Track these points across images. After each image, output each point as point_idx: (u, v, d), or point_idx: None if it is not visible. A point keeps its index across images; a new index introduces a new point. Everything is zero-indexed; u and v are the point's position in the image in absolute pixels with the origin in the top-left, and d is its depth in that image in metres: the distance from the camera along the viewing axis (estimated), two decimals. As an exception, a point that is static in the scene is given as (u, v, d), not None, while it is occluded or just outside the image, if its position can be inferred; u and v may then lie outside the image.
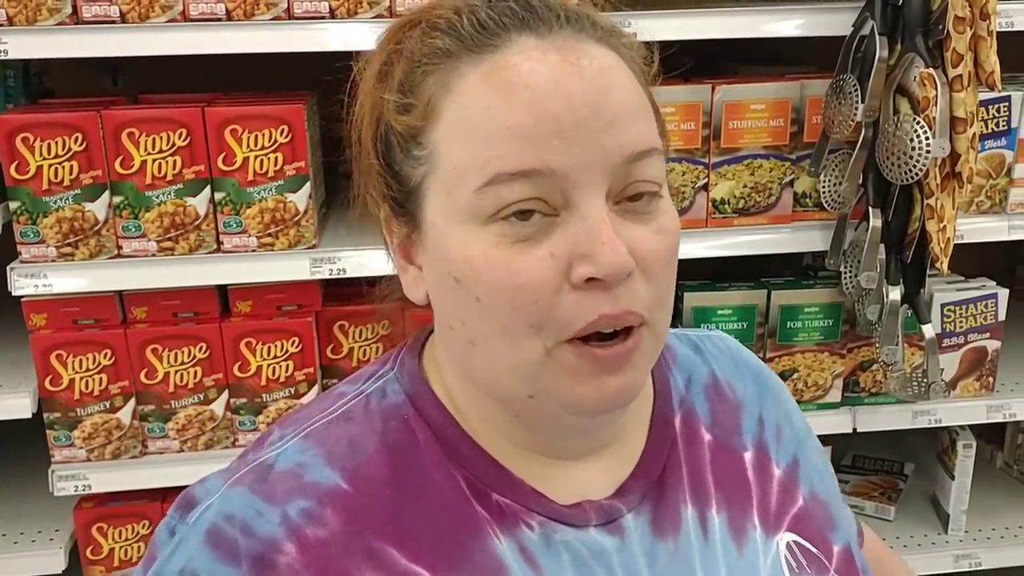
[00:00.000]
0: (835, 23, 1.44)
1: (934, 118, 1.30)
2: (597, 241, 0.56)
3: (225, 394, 1.52)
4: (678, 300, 1.59)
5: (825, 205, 1.52)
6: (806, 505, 0.74)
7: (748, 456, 0.74)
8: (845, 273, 1.54)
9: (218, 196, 1.42)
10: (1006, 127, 1.54)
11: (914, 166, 1.33)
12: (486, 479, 0.64)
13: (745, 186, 1.52)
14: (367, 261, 1.45)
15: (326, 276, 1.45)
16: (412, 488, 0.64)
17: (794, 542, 0.71)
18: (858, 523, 0.86)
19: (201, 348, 1.50)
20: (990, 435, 2.08)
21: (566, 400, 0.60)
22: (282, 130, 1.40)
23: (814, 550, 0.71)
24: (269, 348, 1.51)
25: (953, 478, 1.79)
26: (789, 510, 0.73)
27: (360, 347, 1.58)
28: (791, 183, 1.53)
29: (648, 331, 0.60)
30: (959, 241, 1.53)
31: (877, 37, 1.34)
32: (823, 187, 1.51)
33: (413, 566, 0.61)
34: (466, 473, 0.64)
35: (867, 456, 2.05)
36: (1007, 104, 1.52)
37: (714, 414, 0.74)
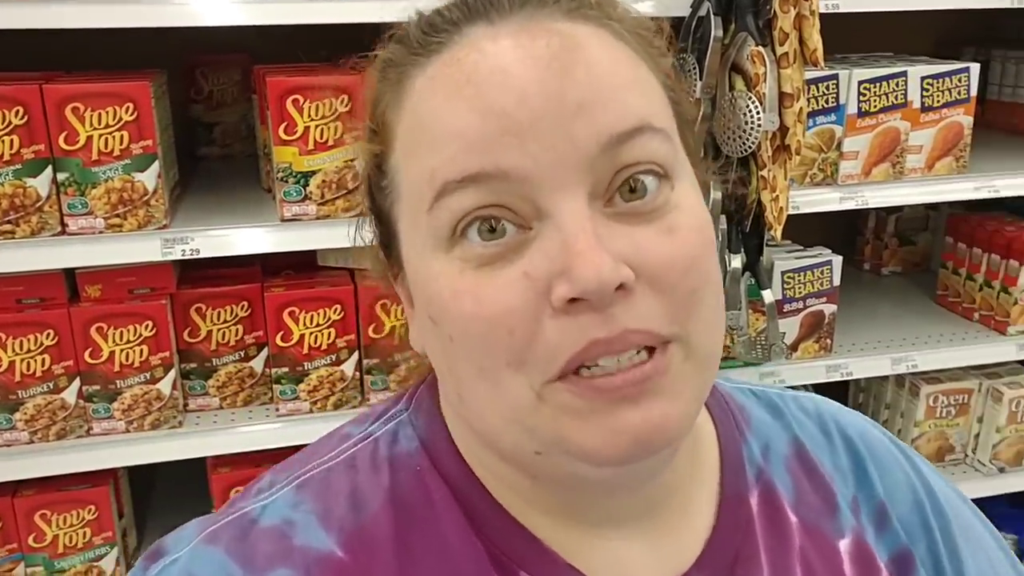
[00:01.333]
0: (677, 4, 1.51)
1: (764, 93, 1.38)
2: (572, 252, 0.45)
3: (77, 381, 1.48)
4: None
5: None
6: None
7: (844, 544, 0.60)
8: (692, 243, 1.61)
9: (61, 176, 1.37)
10: (835, 103, 1.64)
11: (747, 139, 1.41)
12: (513, 552, 0.53)
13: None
14: (223, 242, 1.43)
15: (179, 257, 1.42)
16: (424, 556, 0.53)
17: None
18: None
19: (48, 335, 1.45)
20: (833, 394, 2.22)
21: (576, 450, 0.48)
22: (127, 108, 1.37)
23: None
24: (122, 333, 1.47)
25: (799, 435, 1.91)
26: None
27: (219, 330, 1.56)
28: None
29: (681, 350, 0.48)
30: (795, 212, 1.63)
31: (712, 17, 1.41)
32: (669, 161, 1.58)
33: None
34: (489, 542, 0.54)
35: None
36: (835, 82, 1.63)
37: (799, 491, 0.61)
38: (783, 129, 1.42)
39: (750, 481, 0.60)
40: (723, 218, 1.54)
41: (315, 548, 0.53)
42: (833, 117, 1.65)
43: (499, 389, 0.48)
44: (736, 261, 1.56)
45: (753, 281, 1.62)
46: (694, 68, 1.45)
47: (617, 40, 0.51)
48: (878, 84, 1.64)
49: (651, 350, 0.47)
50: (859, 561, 0.60)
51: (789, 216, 1.63)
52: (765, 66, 1.37)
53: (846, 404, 2.24)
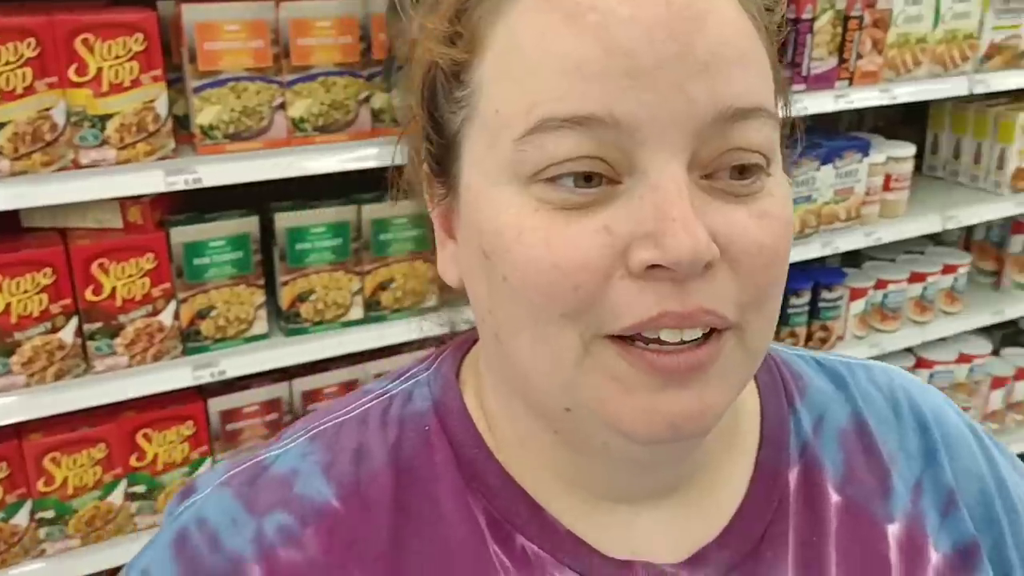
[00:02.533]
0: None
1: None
2: (667, 218, 0.42)
3: None
4: (272, 223, 1.59)
5: (399, 120, 1.59)
6: None
7: (893, 529, 0.57)
8: (424, 182, 1.64)
9: None
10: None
11: (465, 76, 1.44)
12: (512, 517, 0.53)
13: (322, 103, 1.55)
14: None
15: None
16: (418, 518, 0.53)
17: None
18: None
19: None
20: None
21: (611, 419, 0.46)
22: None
23: None
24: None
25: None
26: None
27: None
28: (367, 99, 1.59)
29: (735, 337, 0.47)
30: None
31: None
32: (396, 102, 1.58)
33: None
34: (488, 507, 0.53)
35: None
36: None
37: (850, 468, 0.58)
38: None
39: (791, 456, 0.57)
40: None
41: (313, 498, 0.53)
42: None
43: (545, 336, 0.45)
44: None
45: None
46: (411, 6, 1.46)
47: (743, 9, 0.47)
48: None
49: (709, 334, 0.45)
50: (907, 548, 0.56)
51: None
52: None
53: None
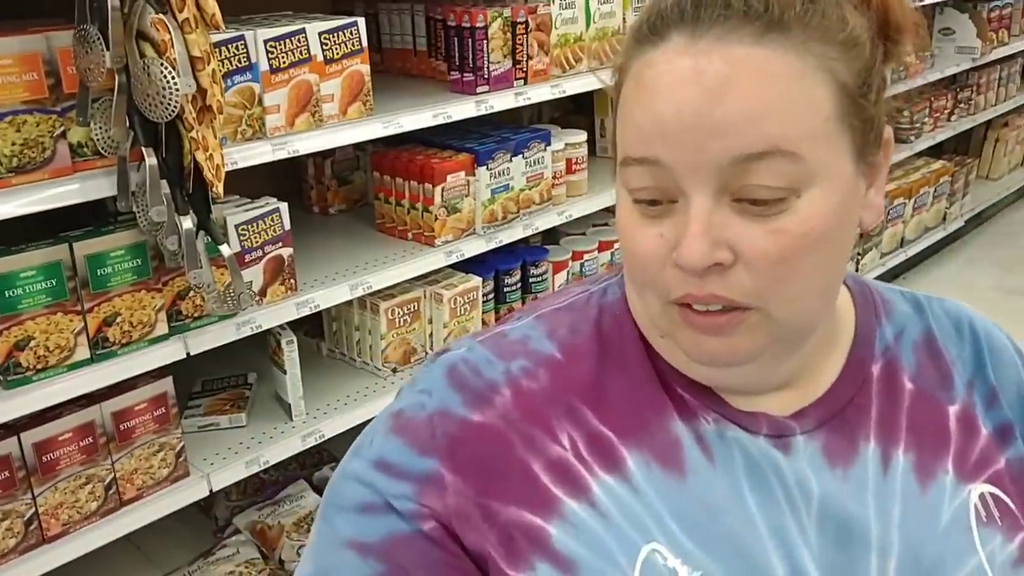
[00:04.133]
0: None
1: (175, 59, 1.44)
2: (687, 232, 0.62)
3: None
4: None
5: (102, 151, 1.58)
6: (1011, 469, 0.75)
7: (953, 409, 0.76)
8: (139, 213, 1.63)
9: None
10: (247, 63, 1.77)
11: (168, 104, 1.46)
12: (674, 376, 0.72)
13: (14, 144, 1.49)
14: None
15: None
16: (613, 367, 0.73)
17: (991, 494, 0.73)
18: None
19: None
20: (314, 330, 2.43)
21: (683, 347, 0.68)
22: None
23: (1012, 505, 0.73)
24: None
25: (285, 372, 2.07)
26: (991, 466, 0.74)
27: None
28: (63, 135, 1.55)
29: (758, 314, 0.64)
30: (235, 167, 1.74)
31: (106, -13, 1.42)
32: (96, 134, 1.56)
33: (602, 427, 0.71)
34: (658, 366, 0.73)
35: (215, 378, 2.23)
36: (243, 42, 1.75)
37: (920, 367, 0.77)
38: (201, 91, 1.50)
39: (876, 355, 0.76)
40: (165, 183, 1.58)
41: (543, 351, 0.74)
42: (249, 75, 1.78)
43: (642, 293, 0.69)
44: (187, 222, 1.62)
45: (209, 239, 1.70)
46: (98, 38, 1.45)
47: (798, 59, 0.60)
48: (282, 42, 1.81)
49: (731, 309, 0.64)
50: (964, 423, 0.75)
51: (234, 171, 1.73)
52: (169, 32, 1.43)
53: (321, 334, 2.46)
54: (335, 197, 2.56)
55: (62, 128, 1.55)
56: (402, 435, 0.72)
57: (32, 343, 1.58)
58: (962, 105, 4.44)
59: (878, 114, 0.66)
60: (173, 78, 1.45)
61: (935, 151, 4.47)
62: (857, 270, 3.69)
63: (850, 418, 0.73)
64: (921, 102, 4.11)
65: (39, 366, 1.59)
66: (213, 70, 1.50)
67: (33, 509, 1.66)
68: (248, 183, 2.01)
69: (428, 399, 0.72)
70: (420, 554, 0.68)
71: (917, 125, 4.07)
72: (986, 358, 0.79)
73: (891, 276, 4.18)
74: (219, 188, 1.58)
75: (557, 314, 0.78)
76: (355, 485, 0.71)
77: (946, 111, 4.32)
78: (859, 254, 3.72)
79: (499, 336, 0.77)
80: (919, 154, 4.23)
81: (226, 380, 2.22)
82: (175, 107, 1.47)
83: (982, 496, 0.72)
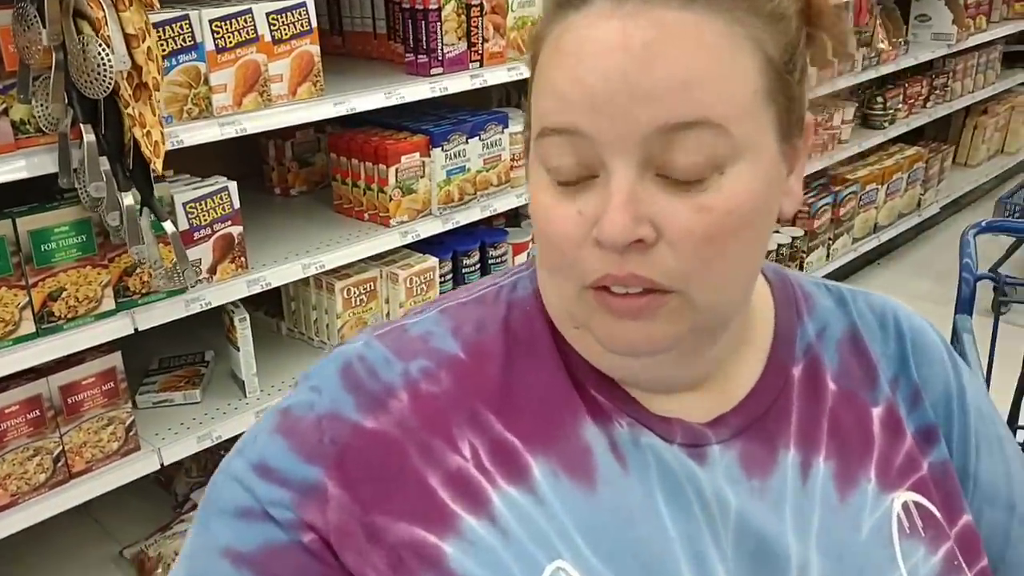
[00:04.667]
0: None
1: (109, 36, 1.47)
2: (608, 206, 0.58)
3: None
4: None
5: (44, 129, 1.60)
6: (934, 474, 0.72)
7: (877, 411, 0.73)
8: (80, 189, 1.66)
9: None
10: (193, 42, 1.79)
11: (104, 81, 1.49)
12: (587, 374, 0.69)
13: (-45, 120, 1.52)
14: None
15: None
16: (522, 367, 0.69)
17: (914, 503, 0.70)
18: None
19: None
20: (274, 310, 2.46)
21: (598, 336, 0.64)
22: None
23: (937, 514, 0.70)
24: None
25: (239, 350, 2.10)
26: (915, 472, 0.72)
27: None
28: (5, 112, 1.58)
29: (679, 300, 0.60)
30: (181, 146, 1.77)
31: (40, -35, 1.44)
32: (37, 112, 1.59)
33: (507, 434, 0.67)
34: (570, 365, 0.69)
35: (172, 356, 2.26)
36: (187, 22, 1.77)
37: (844, 365, 0.74)
38: (137, 68, 1.53)
39: (797, 355, 0.73)
40: (105, 159, 1.61)
41: (446, 350, 0.70)
42: (194, 55, 1.80)
43: (556, 279, 0.65)
44: (129, 199, 1.65)
45: (154, 216, 1.73)
46: (36, 17, 1.48)
47: (727, 26, 0.57)
48: (228, 21, 1.83)
49: (651, 292, 0.60)
50: (888, 425, 0.72)
51: (191, 152, 1.76)
52: (104, 10, 1.46)
53: (281, 314, 2.50)
54: (296, 179, 2.58)
55: (4, 105, 1.57)
56: (288, 437, 0.66)
57: (-24, 316, 1.61)
58: (938, 91, 4.45)
59: (802, 95, 0.64)
60: (108, 55, 1.47)
61: (914, 137, 4.49)
62: (802, 268, 3.70)
63: (769, 425, 0.70)
64: (895, 88, 4.13)
65: (-17, 339, 1.63)
66: (149, 47, 1.52)
67: (-20, 480, 1.70)
68: (207, 164, 2.04)
69: (318, 399, 0.67)
70: (298, 567, 0.64)
71: (891, 111, 4.09)
72: (909, 355, 0.76)
73: (864, 261, 4.21)
74: (157, 164, 1.61)
75: (463, 309, 0.73)
76: (234, 487, 0.66)
77: (921, 97, 4.34)
78: (803, 252, 3.72)
79: (400, 331, 0.72)
80: (894, 140, 4.25)
81: (183, 358, 2.25)
82: (110, 84, 1.50)
83: (905, 505, 0.69)
